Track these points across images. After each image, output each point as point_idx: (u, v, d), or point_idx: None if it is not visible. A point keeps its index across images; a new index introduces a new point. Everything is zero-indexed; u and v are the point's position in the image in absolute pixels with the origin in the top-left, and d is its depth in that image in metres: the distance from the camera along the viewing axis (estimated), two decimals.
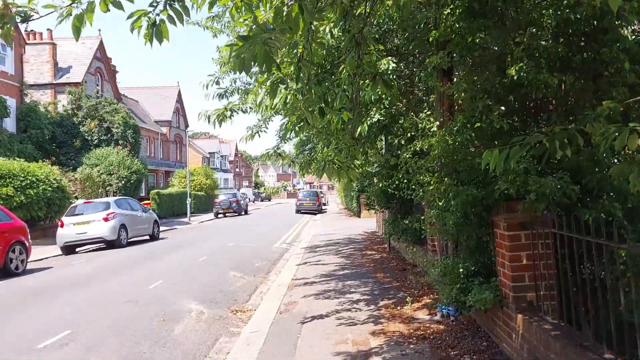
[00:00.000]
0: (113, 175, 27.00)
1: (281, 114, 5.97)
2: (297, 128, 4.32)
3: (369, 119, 6.37)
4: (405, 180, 6.39)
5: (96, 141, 29.67)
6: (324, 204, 47.93)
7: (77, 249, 17.56)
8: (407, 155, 5.74)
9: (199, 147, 65.37)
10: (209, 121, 5.60)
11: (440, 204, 5.17)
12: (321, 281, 9.49)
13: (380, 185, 9.49)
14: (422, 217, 8.44)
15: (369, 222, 23.96)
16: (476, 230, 5.15)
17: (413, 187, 5.95)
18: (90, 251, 17.48)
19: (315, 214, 36.69)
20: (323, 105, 4.25)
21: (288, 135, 6.06)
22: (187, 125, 56.32)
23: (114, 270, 12.47)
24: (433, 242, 8.42)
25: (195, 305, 8.28)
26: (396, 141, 9.37)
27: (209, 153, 66.57)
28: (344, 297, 7.90)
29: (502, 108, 4.76)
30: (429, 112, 6.26)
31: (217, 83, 7.90)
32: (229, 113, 5.89)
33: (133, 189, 28.38)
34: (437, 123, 5.98)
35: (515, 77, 4.39)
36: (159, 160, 47.98)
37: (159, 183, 45.36)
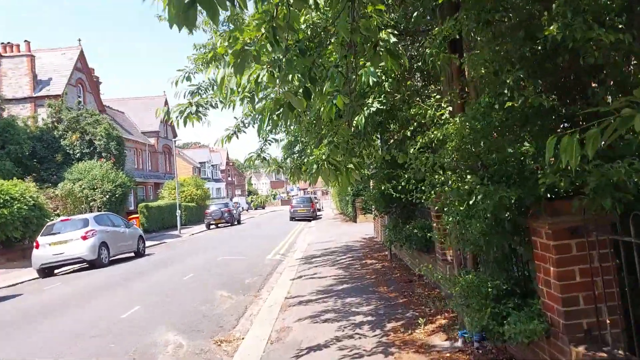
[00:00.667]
0: (97, 190, 25.78)
1: (256, 102, 4.86)
2: (275, 117, 3.28)
3: (366, 108, 5.31)
4: (413, 181, 5.32)
5: (78, 155, 28.44)
6: (319, 210, 46.87)
7: (56, 271, 16.34)
8: (416, 150, 4.68)
9: (189, 157, 64.11)
10: (168, 117, 4.51)
11: (461, 208, 4.10)
12: (318, 299, 8.39)
13: (382, 187, 8.42)
14: (431, 224, 7.38)
15: (366, 227, 22.90)
16: (509, 240, 4.09)
17: (423, 188, 4.88)
18: (69, 273, 16.27)
19: (310, 220, 35.65)
20: (309, 84, 3.18)
21: (265, 128, 4.97)
22: (175, 135, 55.10)
23: (90, 294, 11.31)
24: (443, 251, 7.35)
25: (173, 335, 7.16)
26: (394, 138, 8.30)
27: (200, 163, 65.32)
28: (345, 320, 6.81)
29: (539, 81, 3.71)
30: (438, 97, 5.22)
31: (189, 79, 6.79)
32: (194, 108, 4.77)
33: (119, 203, 27.16)
34: (450, 109, 4.94)
35: (558, 37, 3.35)
36: (148, 172, 46.77)
37: (148, 195, 44.07)
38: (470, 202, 3.93)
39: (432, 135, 4.41)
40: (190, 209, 41.06)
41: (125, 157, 32.67)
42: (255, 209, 75.20)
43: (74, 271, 16.34)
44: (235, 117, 6.06)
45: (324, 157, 4.20)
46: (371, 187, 9.83)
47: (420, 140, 4.66)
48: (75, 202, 24.41)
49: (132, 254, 18.59)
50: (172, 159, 53.56)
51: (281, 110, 3.20)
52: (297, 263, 13.43)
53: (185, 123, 4.65)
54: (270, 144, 7.23)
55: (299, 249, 17.51)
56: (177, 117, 4.66)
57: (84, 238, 15.48)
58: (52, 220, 18.69)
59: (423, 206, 8.57)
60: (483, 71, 4.13)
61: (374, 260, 12.19)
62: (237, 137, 5.96)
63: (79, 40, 35.75)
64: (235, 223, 37.24)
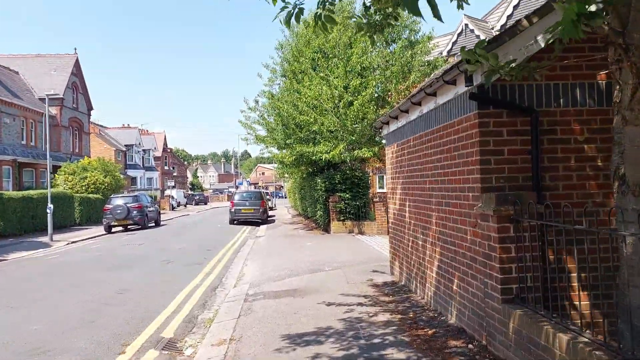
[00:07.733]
0: None
1: None
2: None
3: None
4: None
5: None
6: (271, 209, 36.35)
7: None
8: None
9: (112, 137, 51.95)
10: None
11: None
12: None
13: None
14: None
15: (353, 245, 12.78)
16: None
17: None
18: None
19: (258, 224, 25.09)
20: None
21: None
22: (90, 107, 42.99)
23: None
24: None
25: None
26: None
27: (126, 146, 53.14)
28: None
29: None
30: None
31: None
32: None
33: None
34: None
35: None
36: (44, 150, 34.76)
37: (39, 182, 32.20)
38: None
39: None
40: (90, 202, 29.49)
41: None
42: (196, 204, 63.73)
43: None
44: None
45: None
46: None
47: None
48: None
49: None
50: (82, 136, 41.60)
51: None
52: None
53: None
54: None
55: (224, 311, 7.11)
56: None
57: None
58: None
59: None
60: None
61: None
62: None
63: None
64: (152, 225, 26.20)
